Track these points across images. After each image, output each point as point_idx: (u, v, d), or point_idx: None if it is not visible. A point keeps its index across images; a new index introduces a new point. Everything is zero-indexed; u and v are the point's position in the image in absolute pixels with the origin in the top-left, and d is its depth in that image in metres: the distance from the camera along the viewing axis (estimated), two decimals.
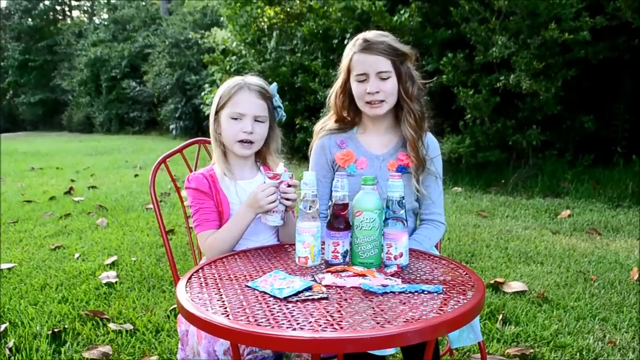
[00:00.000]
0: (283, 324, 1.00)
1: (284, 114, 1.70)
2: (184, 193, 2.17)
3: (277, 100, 1.68)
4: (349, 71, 1.69)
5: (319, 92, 6.63)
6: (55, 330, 2.38)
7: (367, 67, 1.63)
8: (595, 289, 2.80)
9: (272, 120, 1.69)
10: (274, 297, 1.14)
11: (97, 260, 3.49)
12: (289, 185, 1.53)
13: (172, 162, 1.84)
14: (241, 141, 1.61)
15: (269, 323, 1.00)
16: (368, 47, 1.63)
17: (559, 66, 5.37)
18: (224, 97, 1.63)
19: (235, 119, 1.60)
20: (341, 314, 1.04)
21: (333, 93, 1.77)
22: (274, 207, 1.51)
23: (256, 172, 1.72)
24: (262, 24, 7.99)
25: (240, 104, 1.60)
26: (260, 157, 1.75)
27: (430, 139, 1.74)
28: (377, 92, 1.63)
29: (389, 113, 1.73)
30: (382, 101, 1.64)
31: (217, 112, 1.66)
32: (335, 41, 6.68)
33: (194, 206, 1.61)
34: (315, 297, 1.13)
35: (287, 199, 1.52)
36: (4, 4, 29.71)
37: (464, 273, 1.30)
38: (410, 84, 1.67)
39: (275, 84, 1.72)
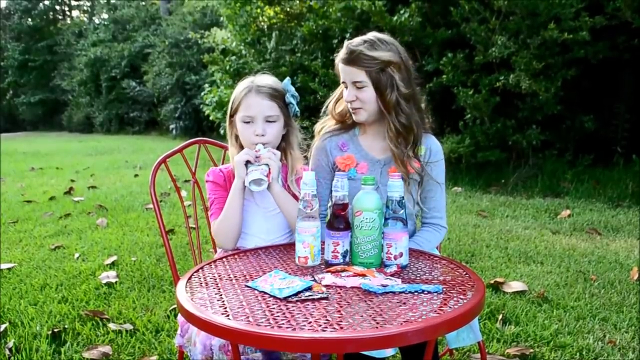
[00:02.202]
0: (283, 324, 1.00)
1: (297, 109, 1.69)
2: (184, 193, 2.18)
3: (289, 97, 1.67)
4: None
5: (318, 92, 6.63)
6: (55, 330, 2.38)
7: (345, 76, 1.66)
8: (595, 289, 2.81)
9: (286, 117, 1.69)
10: (274, 297, 1.14)
11: (97, 260, 3.49)
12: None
13: (172, 162, 1.85)
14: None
15: (269, 323, 1.01)
16: (345, 58, 1.64)
17: (558, 66, 5.37)
18: (235, 101, 1.67)
19: (248, 122, 1.64)
20: (341, 314, 1.04)
21: (332, 100, 1.79)
22: (246, 160, 1.57)
23: None
24: (262, 23, 7.98)
25: (250, 107, 1.63)
26: (282, 153, 1.72)
27: (433, 143, 1.71)
28: (354, 100, 1.64)
29: (386, 119, 1.71)
30: (360, 108, 1.66)
31: (232, 116, 1.70)
32: (335, 41, 6.66)
33: (210, 197, 1.69)
34: (315, 297, 1.13)
35: (266, 159, 1.57)
36: (3, 4, 29.71)
37: (464, 273, 1.30)
38: (389, 92, 1.60)
39: (288, 78, 1.70)
